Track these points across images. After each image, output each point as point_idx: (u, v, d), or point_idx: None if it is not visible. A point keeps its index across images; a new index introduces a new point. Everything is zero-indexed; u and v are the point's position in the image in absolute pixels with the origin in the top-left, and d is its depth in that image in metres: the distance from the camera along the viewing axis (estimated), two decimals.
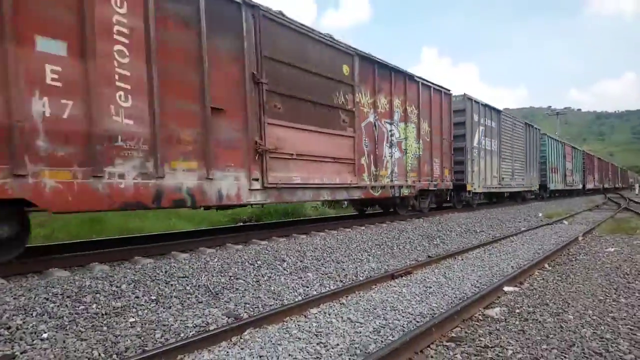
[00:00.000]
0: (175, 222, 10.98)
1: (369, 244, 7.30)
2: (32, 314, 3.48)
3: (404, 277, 5.36)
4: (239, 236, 7.26)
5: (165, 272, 4.76)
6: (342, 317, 3.84)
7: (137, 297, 4.05)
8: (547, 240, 8.68)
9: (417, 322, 3.74)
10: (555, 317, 3.80)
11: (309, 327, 3.58)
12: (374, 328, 3.57)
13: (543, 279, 5.32)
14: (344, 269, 5.81)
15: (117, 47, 5.15)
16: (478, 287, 4.95)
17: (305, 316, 3.91)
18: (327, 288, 4.89)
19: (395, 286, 4.93)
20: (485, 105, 15.70)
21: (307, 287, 4.94)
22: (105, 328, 3.43)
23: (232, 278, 4.93)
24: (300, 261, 5.91)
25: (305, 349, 3.14)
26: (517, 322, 3.68)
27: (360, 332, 3.48)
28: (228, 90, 6.43)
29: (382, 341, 3.29)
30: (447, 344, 3.22)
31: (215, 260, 5.46)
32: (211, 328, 3.54)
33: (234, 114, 6.51)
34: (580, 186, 33.42)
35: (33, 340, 3.14)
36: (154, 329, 3.45)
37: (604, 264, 6.09)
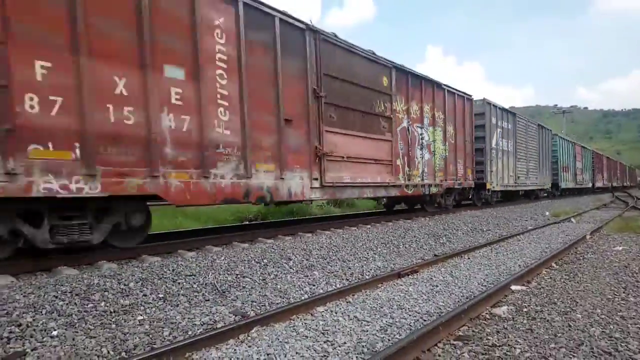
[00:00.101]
0: (181, 221, 11.03)
1: (374, 243, 7.30)
2: (41, 312, 3.51)
3: (410, 276, 5.35)
4: (245, 235, 7.29)
5: (173, 270, 4.79)
6: (348, 316, 3.84)
7: (145, 295, 4.07)
8: (554, 238, 8.63)
9: (424, 320, 3.73)
10: (564, 316, 3.79)
11: (316, 326, 3.59)
12: (380, 326, 3.57)
13: (551, 277, 5.30)
14: (350, 268, 5.81)
15: (219, 71, 6.31)
16: (485, 285, 4.94)
17: (312, 314, 3.92)
18: (334, 286, 4.90)
19: (401, 285, 4.92)
20: (502, 109, 16.65)
21: (314, 285, 4.94)
22: (113, 326, 3.46)
23: (238, 276, 4.95)
24: (307, 260, 5.92)
25: (312, 347, 3.15)
26: (524, 321, 3.67)
27: (367, 331, 3.48)
28: (295, 104, 7.59)
29: (389, 340, 3.29)
30: (455, 342, 3.21)
31: (222, 258, 5.48)
32: (218, 326, 3.55)
33: (299, 123, 7.69)
34: (590, 185, 34.01)
35: (43, 338, 3.17)
36: (162, 327, 3.47)
37: (612, 263, 6.05)
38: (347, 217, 12.35)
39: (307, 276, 5.28)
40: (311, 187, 7.89)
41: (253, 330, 3.45)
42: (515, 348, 3.09)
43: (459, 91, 13.43)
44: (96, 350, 3.03)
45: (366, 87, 9.37)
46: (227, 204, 6.69)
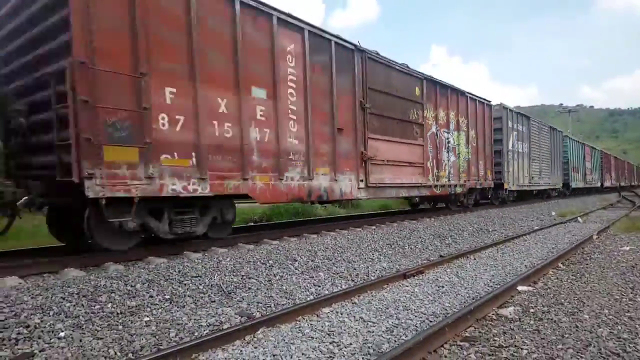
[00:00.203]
0: None
1: (380, 244, 7.29)
2: (49, 313, 3.54)
3: (416, 277, 5.34)
4: (251, 236, 7.30)
5: (179, 271, 4.80)
6: (354, 317, 3.84)
7: (152, 297, 4.09)
8: (560, 239, 8.58)
9: (430, 321, 3.72)
10: (571, 317, 3.76)
11: (322, 327, 3.59)
12: (386, 327, 3.57)
13: (557, 278, 5.27)
14: (355, 269, 5.81)
15: (290, 90, 7.38)
16: (491, 286, 4.92)
17: (317, 315, 3.92)
18: (339, 287, 4.90)
19: (407, 286, 4.91)
20: (517, 113, 17.75)
21: (319, 286, 4.95)
22: (120, 327, 3.48)
23: (244, 277, 4.96)
24: (312, 261, 5.92)
25: (318, 348, 3.15)
26: (531, 322, 3.65)
27: (373, 332, 3.47)
28: (345, 115, 8.65)
29: (395, 341, 3.29)
30: (461, 343, 3.20)
31: (228, 259, 5.50)
32: (225, 327, 3.56)
33: (348, 132, 8.75)
34: (599, 184, 34.72)
35: (51, 339, 3.19)
36: (169, 328, 3.49)
37: (620, 263, 6.01)
38: (352, 218, 12.34)
39: (313, 277, 5.28)
40: (358, 188, 8.94)
41: (259, 331, 3.45)
42: (522, 349, 3.07)
43: (480, 97, 14.34)
44: (103, 351, 3.05)
45: (402, 97, 10.38)
46: (296, 202, 8.29)
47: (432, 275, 5.46)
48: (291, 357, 2.99)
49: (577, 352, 3.01)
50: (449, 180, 12.37)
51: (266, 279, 5.06)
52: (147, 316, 3.72)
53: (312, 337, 3.36)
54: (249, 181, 6.59)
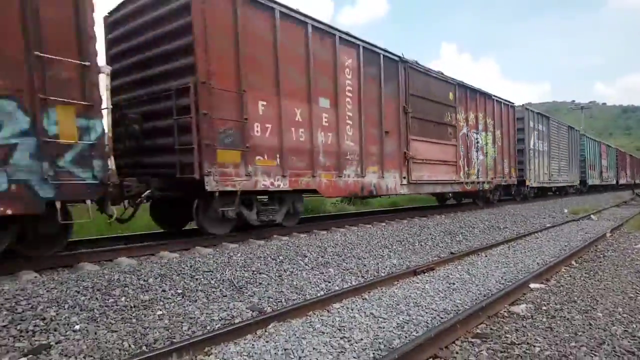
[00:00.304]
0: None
1: (389, 240, 7.28)
2: (64, 307, 3.59)
3: (426, 274, 5.33)
4: (261, 232, 7.34)
5: (191, 266, 4.85)
6: (364, 312, 3.84)
7: (164, 291, 4.14)
8: (573, 236, 8.49)
9: (441, 318, 3.72)
10: (584, 315, 3.73)
11: (332, 322, 3.60)
12: (397, 323, 3.57)
13: (570, 275, 5.22)
14: (365, 265, 5.81)
15: (347, 99, 8.49)
16: (503, 283, 4.89)
17: (328, 311, 3.93)
18: (349, 283, 4.91)
19: (417, 282, 4.91)
20: (538, 113, 18.70)
21: (329, 282, 4.96)
22: (134, 320, 3.52)
23: (255, 273, 4.99)
24: (322, 257, 5.93)
25: (329, 343, 3.16)
26: (544, 319, 3.62)
27: (383, 328, 3.48)
28: (391, 119, 9.69)
29: (406, 337, 3.29)
30: (473, 340, 3.19)
31: (239, 255, 5.53)
32: (236, 321, 3.59)
33: (393, 134, 9.77)
34: (614, 181, 35.47)
35: (66, 331, 3.25)
36: (181, 322, 3.53)
37: (634, 261, 5.93)
38: (362, 214, 12.31)
39: (323, 273, 5.30)
40: (401, 184, 9.98)
41: (270, 326, 3.48)
42: (534, 346, 3.05)
43: (504, 100, 15.35)
44: (117, 344, 3.10)
45: (438, 101, 11.38)
46: (352, 197, 9.96)
47: (442, 272, 5.44)
48: (302, 352, 3.01)
49: (591, 350, 2.98)
50: (477, 177, 13.39)
51: (276, 274, 5.08)
52: (160, 310, 3.76)
53: (323, 332, 3.37)
54: (316, 178, 7.72)
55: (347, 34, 8.39)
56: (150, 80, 6.62)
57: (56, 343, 3.06)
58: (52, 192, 4.45)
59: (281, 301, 4.23)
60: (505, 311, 3.86)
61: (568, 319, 3.63)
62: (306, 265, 5.55)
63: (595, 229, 9.47)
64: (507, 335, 3.26)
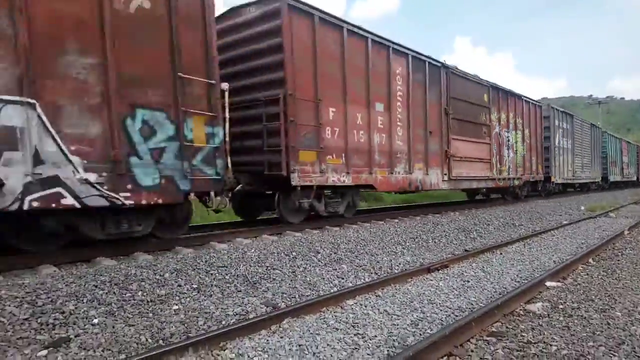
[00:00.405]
0: (211, 214, 11.20)
1: (403, 237, 7.25)
2: (83, 300, 3.66)
3: (440, 271, 5.30)
4: (274, 228, 7.37)
5: (206, 261, 4.90)
6: (378, 309, 3.84)
7: (180, 286, 4.19)
8: (590, 234, 8.35)
9: (456, 316, 3.69)
10: (602, 314, 3.67)
11: (346, 318, 3.61)
12: (411, 321, 3.56)
13: (587, 274, 5.14)
14: (378, 262, 5.79)
15: (398, 103, 9.51)
16: (518, 281, 4.84)
17: (341, 307, 3.94)
18: (362, 280, 4.90)
19: (431, 280, 4.88)
20: (563, 112, 19.64)
21: (342, 278, 4.96)
22: (151, 315, 3.58)
23: (268, 268, 5.02)
24: (334, 253, 5.94)
25: (343, 339, 3.17)
26: (561, 318, 3.58)
27: (397, 325, 3.47)
28: (434, 120, 10.70)
29: (420, 334, 3.28)
30: (488, 338, 3.17)
31: (252, 250, 5.57)
32: (251, 316, 3.62)
33: (436, 134, 10.76)
34: (635, 178, 36.11)
35: (85, 325, 3.31)
36: (197, 316, 3.57)
37: None
38: (374, 211, 12.30)
39: (336, 269, 5.30)
40: (442, 180, 10.92)
41: (284, 322, 3.50)
42: (551, 345, 3.02)
43: (532, 100, 16.34)
44: (135, 338, 3.15)
45: (474, 103, 12.33)
46: (401, 192, 10.78)
47: (457, 269, 5.40)
48: (317, 348, 3.02)
49: (610, 350, 2.94)
50: (508, 174, 14.33)
51: (290, 270, 5.10)
52: (176, 304, 3.81)
53: (337, 329, 3.38)
54: (373, 174, 8.73)
55: (399, 45, 9.45)
56: (240, 90, 7.55)
57: (75, 336, 3.13)
58: (189, 186, 5.55)
59: (295, 297, 4.25)
60: (521, 309, 3.83)
61: (585, 317, 3.58)
62: (319, 261, 5.56)
63: (613, 227, 9.30)
64: (523, 334, 3.22)
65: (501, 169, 13.74)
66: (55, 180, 4.44)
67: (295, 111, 7.06)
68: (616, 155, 29.67)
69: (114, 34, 4.85)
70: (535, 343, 3.06)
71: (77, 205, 4.60)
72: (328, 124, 7.77)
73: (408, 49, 9.69)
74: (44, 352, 2.89)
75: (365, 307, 3.92)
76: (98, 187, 4.74)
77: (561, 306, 3.88)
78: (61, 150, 4.49)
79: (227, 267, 4.84)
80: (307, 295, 4.30)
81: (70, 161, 4.54)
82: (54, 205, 4.45)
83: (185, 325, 3.41)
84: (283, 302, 4.09)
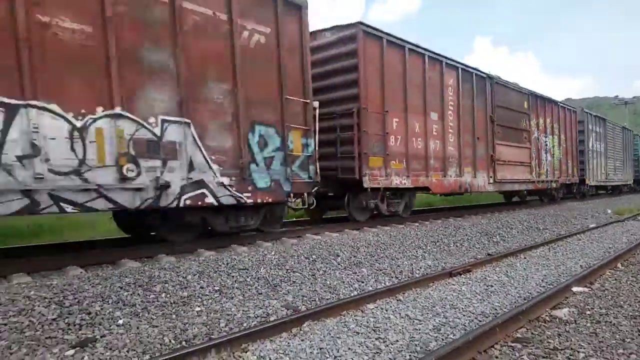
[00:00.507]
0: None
1: (423, 241, 7.17)
2: (108, 302, 3.75)
3: (462, 275, 5.22)
4: (294, 231, 7.39)
5: (227, 264, 4.94)
6: (399, 314, 3.81)
7: (202, 288, 4.24)
8: (618, 238, 8.10)
9: (479, 321, 3.63)
10: (632, 320, 3.55)
11: (367, 322, 3.59)
12: (433, 326, 3.51)
13: (615, 279, 4.98)
14: (398, 266, 5.75)
15: (449, 112, 10.27)
16: (544, 286, 4.73)
17: (362, 311, 3.92)
18: (383, 284, 4.87)
19: (454, 284, 4.81)
20: (596, 116, 20.30)
21: (362, 282, 4.94)
22: (174, 316, 3.63)
23: (288, 271, 5.04)
24: (354, 256, 5.92)
25: (364, 343, 3.15)
26: (588, 324, 3.48)
27: (419, 329, 3.43)
28: (481, 127, 11.47)
29: (442, 339, 3.24)
30: (513, 344, 3.10)
31: (272, 253, 5.59)
32: (272, 319, 3.64)
33: (482, 139, 11.54)
34: None
35: (110, 326, 3.39)
36: (219, 318, 3.61)
37: None
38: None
39: (356, 273, 5.29)
40: (488, 183, 11.71)
41: (305, 325, 3.50)
42: (578, 352, 2.94)
43: (567, 105, 17.27)
44: (159, 338, 3.20)
45: (515, 110, 13.14)
46: (452, 194, 11.34)
47: (479, 274, 5.31)
48: (338, 352, 3.01)
49: None
50: (547, 176, 15.04)
51: (310, 273, 5.11)
52: (199, 306, 3.86)
53: (358, 333, 3.37)
54: (429, 177, 9.55)
55: (450, 59, 10.32)
56: (328, 102, 8.29)
57: (101, 337, 3.20)
58: (290, 187, 6.68)
59: (315, 300, 4.26)
60: (546, 315, 3.74)
61: (614, 324, 3.47)
62: (339, 264, 5.55)
63: None
64: (550, 340, 3.15)
65: (540, 172, 14.41)
66: (201, 183, 5.56)
67: (367, 122, 8.07)
68: None
69: (241, 65, 5.95)
70: (562, 350, 2.99)
71: (215, 203, 5.73)
72: (392, 132, 8.67)
73: (458, 62, 10.57)
74: (71, 351, 2.97)
75: (386, 311, 3.89)
76: (229, 188, 5.87)
77: (588, 312, 3.78)
78: (205, 159, 5.62)
79: (247, 269, 4.88)
80: (327, 299, 4.30)
81: (211, 168, 5.68)
82: (200, 203, 5.56)
83: (208, 326, 3.44)
84: (303, 305, 4.10)
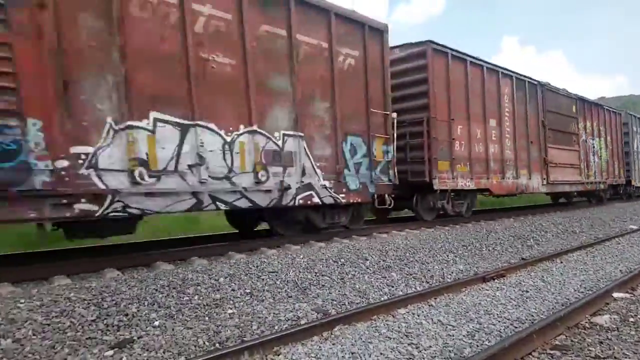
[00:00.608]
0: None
1: (454, 245, 7.03)
2: (144, 303, 3.84)
3: (496, 280, 5.09)
4: (322, 235, 7.40)
5: (257, 267, 4.99)
6: (432, 319, 3.75)
7: (234, 290, 4.30)
8: None
9: (515, 327, 3.53)
10: None
11: (399, 327, 3.55)
12: (467, 332, 3.44)
13: None
14: (429, 270, 5.67)
15: (506, 118, 10.95)
16: (582, 292, 4.56)
17: (393, 316, 3.88)
18: (413, 289, 4.81)
19: (487, 289, 4.70)
20: (639, 118, 20.71)
21: (392, 286, 4.90)
22: (207, 318, 3.70)
23: (317, 274, 5.04)
24: (383, 260, 5.87)
25: (396, 348, 3.12)
26: (632, 332, 3.33)
27: (453, 335, 3.37)
28: (534, 131, 12.12)
29: (477, 345, 3.17)
30: (551, 352, 3.00)
31: (301, 257, 5.61)
32: (302, 322, 3.65)
33: (535, 143, 12.17)
34: None
35: (147, 327, 3.48)
36: (251, 321, 3.65)
37: None
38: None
39: (385, 277, 5.24)
40: (542, 184, 12.34)
41: (336, 329, 3.50)
42: None
43: (612, 108, 17.72)
44: (193, 340, 3.26)
45: (564, 114, 13.71)
46: (510, 195, 11.97)
47: (514, 278, 5.17)
48: (370, 356, 2.99)
49: None
50: (595, 178, 15.48)
51: (339, 276, 5.10)
52: (231, 309, 3.91)
53: (390, 338, 3.34)
54: (489, 180, 10.26)
55: (505, 69, 11.08)
56: (402, 110, 8.87)
57: (138, 338, 3.29)
58: (374, 189, 7.65)
59: (344, 304, 4.24)
60: (586, 322, 3.60)
61: None
62: (368, 268, 5.52)
63: None
64: (590, 348, 3.03)
65: (588, 173, 14.94)
66: (309, 186, 6.64)
67: (436, 130, 8.85)
68: None
69: (337, 85, 6.98)
70: (604, 358, 2.87)
71: (319, 202, 6.81)
72: (457, 138, 9.42)
73: (512, 71, 11.32)
74: (110, 352, 3.06)
75: (418, 316, 3.84)
76: (329, 190, 6.91)
77: (632, 319, 3.61)
78: (312, 166, 6.69)
79: (277, 272, 4.91)
80: (357, 303, 4.28)
81: (316, 173, 6.74)
82: (309, 202, 6.66)
83: (240, 329, 3.49)
84: (333, 308, 4.09)
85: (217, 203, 5.55)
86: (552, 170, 12.70)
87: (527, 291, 4.59)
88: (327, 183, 6.86)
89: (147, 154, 4.90)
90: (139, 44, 4.86)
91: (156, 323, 3.53)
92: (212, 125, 5.47)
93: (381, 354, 3.04)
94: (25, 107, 4.13)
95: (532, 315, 3.82)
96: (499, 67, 10.89)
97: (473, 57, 10.02)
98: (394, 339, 3.31)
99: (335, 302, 4.26)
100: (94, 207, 4.56)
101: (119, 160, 4.71)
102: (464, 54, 9.76)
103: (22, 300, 3.59)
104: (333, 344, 3.20)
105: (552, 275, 5.31)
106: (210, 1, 5.50)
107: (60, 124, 4.31)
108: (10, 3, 4.03)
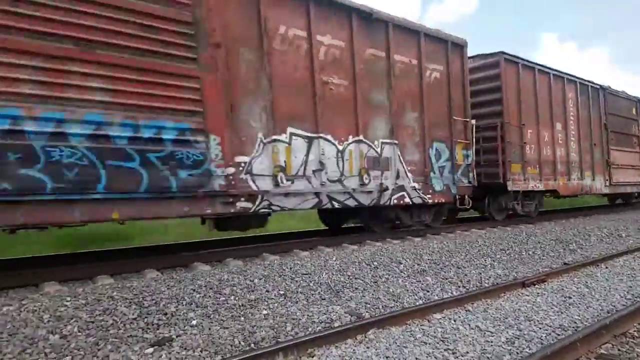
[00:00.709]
0: (291, 224, 11.54)
1: (492, 249, 6.84)
2: (182, 303, 3.95)
3: (537, 286, 4.92)
4: (354, 237, 7.38)
5: (290, 268, 5.03)
6: (469, 325, 3.66)
7: (268, 291, 4.35)
8: None
9: (557, 335, 3.40)
10: None
11: (434, 332, 3.49)
12: (506, 338, 3.34)
13: None
14: (465, 275, 5.53)
15: (570, 121, 11.51)
16: (629, 299, 4.33)
17: (428, 321, 3.82)
18: (449, 293, 4.72)
19: (527, 295, 4.54)
20: None
21: (427, 291, 4.81)
22: (242, 318, 3.76)
23: (350, 277, 5.02)
24: (417, 264, 5.78)
25: (432, 354, 3.07)
26: None
27: (491, 342, 3.28)
28: (596, 134, 12.55)
29: (517, 352, 3.07)
30: None
31: (334, 259, 5.61)
32: (336, 325, 3.65)
33: (598, 145, 12.58)
34: None
35: (185, 326, 3.57)
36: (285, 322, 3.68)
37: None
38: (458, 220, 11.76)
39: (420, 281, 5.16)
40: (605, 186, 12.81)
41: (370, 332, 3.48)
42: None
43: None
44: (229, 340, 3.32)
45: (625, 117, 14.08)
46: (576, 195, 12.30)
47: (555, 284, 4.98)
48: None
49: None
50: None
51: (372, 280, 5.06)
52: (265, 309, 3.96)
53: (425, 343, 3.28)
54: (557, 181, 10.83)
55: (569, 74, 11.57)
56: (477, 116, 9.46)
57: (177, 336, 3.38)
58: (456, 190, 8.32)
59: (378, 307, 4.21)
60: (634, 330, 3.42)
61: None
62: (401, 272, 5.45)
63: None
64: None
65: None
66: (402, 188, 7.45)
67: (508, 134, 9.49)
68: None
69: (425, 97, 7.76)
70: None
71: (410, 202, 7.60)
72: (528, 142, 10.01)
73: (575, 77, 11.80)
74: (151, 350, 3.17)
75: (455, 321, 3.76)
76: (418, 192, 7.70)
77: None
78: (405, 170, 7.50)
79: (310, 274, 4.93)
80: (391, 307, 4.24)
81: (407, 176, 7.54)
82: (401, 202, 7.47)
83: (275, 330, 3.53)
84: (367, 312, 4.07)
85: (333, 202, 6.51)
86: (614, 172, 13.07)
87: (569, 297, 4.41)
88: (416, 185, 7.67)
89: (285, 162, 5.97)
90: (280, 72, 5.94)
91: (194, 322, 3.62)
92: (329, 137, 6.48)
93: (416, 358, 2.99)
94: (209, 126, 5.19)
95: (576, 323, 3.67)
96: (564, 73, 11.36)
97: (540, 65, 10.60)
98: (429, 344, 3.26)
99: (368, 306, 4.23)
100: (249, 205, 5.62)
101: (267, 167, 5.78)
102: (532, 62, 10.40)
103: (68, 299, 3.78)
104: (367, 348, 3.18)
105: (596, 281, 5.07)
106: (330, 32, 6.51)
107: (230, 139, 5.38)
108: (201, 47, 5.13)
